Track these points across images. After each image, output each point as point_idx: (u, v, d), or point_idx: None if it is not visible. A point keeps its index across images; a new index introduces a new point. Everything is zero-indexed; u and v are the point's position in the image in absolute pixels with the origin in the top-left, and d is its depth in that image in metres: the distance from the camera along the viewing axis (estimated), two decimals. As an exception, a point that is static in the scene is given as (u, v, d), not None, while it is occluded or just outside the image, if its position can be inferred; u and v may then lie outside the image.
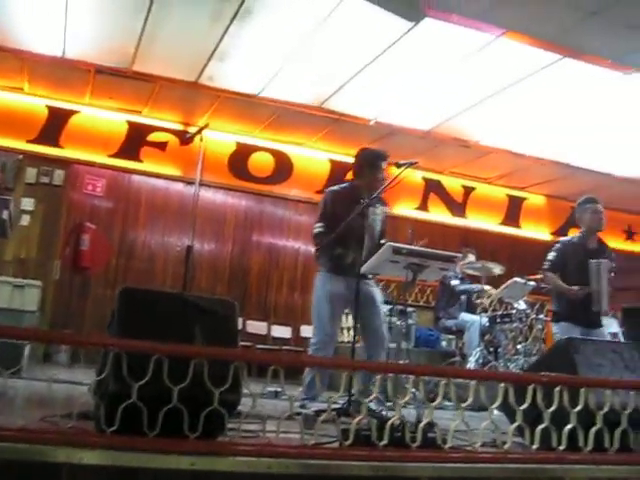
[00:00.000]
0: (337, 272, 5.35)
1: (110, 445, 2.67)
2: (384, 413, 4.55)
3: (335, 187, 5.56)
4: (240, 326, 10.74)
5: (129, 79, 9.31)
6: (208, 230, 11.23)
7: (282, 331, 11.30)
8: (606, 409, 3.43)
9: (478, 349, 8.19)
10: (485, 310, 9.28)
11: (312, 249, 11.03)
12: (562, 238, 6.76)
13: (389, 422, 3.05)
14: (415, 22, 7.06)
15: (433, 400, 3.25)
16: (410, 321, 9.76)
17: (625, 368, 4.02)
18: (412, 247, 4.93)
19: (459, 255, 4.93)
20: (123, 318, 3.01)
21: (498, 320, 8.72)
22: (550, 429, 3.30)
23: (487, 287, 8.85)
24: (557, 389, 3.35)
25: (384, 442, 3.00)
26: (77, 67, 9.09)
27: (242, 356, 2.88)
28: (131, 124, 10.71)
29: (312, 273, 11.11)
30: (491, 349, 8.57)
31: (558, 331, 6.35)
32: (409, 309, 9.96)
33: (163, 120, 10.62)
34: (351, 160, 5.68)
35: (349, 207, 5.20)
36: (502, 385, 3.27)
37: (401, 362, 5.13)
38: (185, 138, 6.37)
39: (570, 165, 11.25)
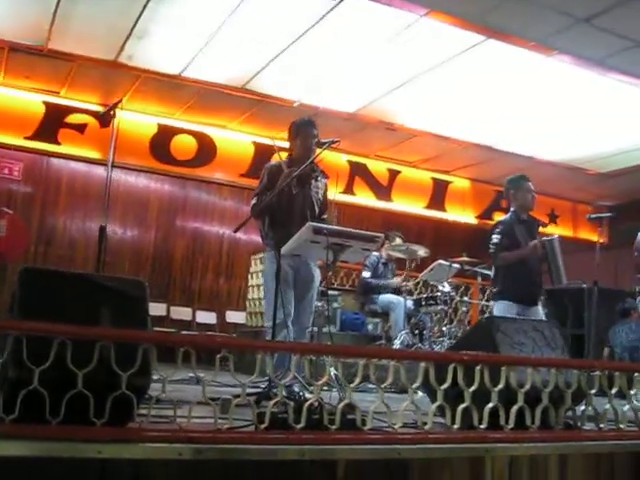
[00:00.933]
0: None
1: (8, 434, 2.50)
2: (307, 396, 4.45)
3: (272, 162, 5.51)
4: (164, 312, 10.77)
5: (45, 57, 9.03)
6: (131, 215, 11.07)
7: (207, 317, 11.22)
8: (527, 387, 3.39)
9: (403, 332, 8.19)
10: (411, 293, 9.30)
11: (238, 235, 11.07)
12: (499, 220, 6.75)
13: (306, 404, 2.94)
14: (337, 0, 6.97)
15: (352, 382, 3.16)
16: (335, 304, 9.75)
17: (547, 346, 4.00)
18: (333, 227, 4.86)
19: (381, 235, 4.86)
20: (23, 300, 2.83)
21: (423, 303, 8.74)
22: (471, 408, 3.25)
23: (397, 280, 8.86)
24: (478, 368, 3.30)
25: (301, 425, 2.89)
26: (-12, 45, 8.77)
27: (150, 338, 2.73)
28: (48, 105, 10.39)
29: (237, 258, 11.30)
30: (416, 331, 8.58)
31: (497, 310, 6.38)
32: (334, 292, 9.97)
33: (82, 101, 10.36)
34: (284, 144, 5.68)
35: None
36: (422, 365, 3.20)
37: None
38: (100, 115, 6.11)
39: (493, 148, 11.37)
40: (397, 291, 8.89)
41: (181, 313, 11.04)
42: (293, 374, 3.37)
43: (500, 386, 3.30)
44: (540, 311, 6.50)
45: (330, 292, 9.80)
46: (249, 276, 10.10)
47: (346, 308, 10.34)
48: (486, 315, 8.76)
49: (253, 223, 5.42)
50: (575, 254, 6.20)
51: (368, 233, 4.90)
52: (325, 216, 5.52)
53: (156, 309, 10.74)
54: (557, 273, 6.26)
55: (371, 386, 3.28)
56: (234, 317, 11.13)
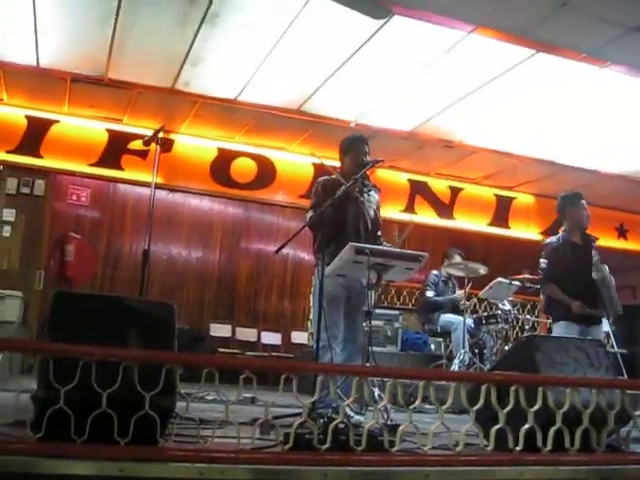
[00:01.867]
0: None
1: (34, 451, 2.57)
2: (356, 418, 4.43)
3: (324, 177, 5.54)
4: (229, 333, 10.88)
5: (106, 87, 9.25)
6: (195, 237, 11.23)
7: (272, 338, 11.24)
8: (566, 408, 3.31)
9: (463, 351, 8.11)
10: (474, 311, 9.21)
11: (301, 254, 11.13)
12: (548, 241, 6.62)
13: (332, 425, 2.94)
14: (384, 20, 6.98)
15: (410, 403, 3.13)
16: (396, 324, 9.71)
17: (590, 366, 3.92)
18: (375, 246, 4.87)
19: (424, 254, 4.82)
20: (53, 322, 2.92)
21: (484, 321, 8.64)
22: (506, 430, 3.18)
23: (459, 293, 8.78)
24: (512, 388, 3.24)
25: (326, 445, 2.89)
26: (52, 76, 9.03)
27: (174, 359, 2.78)
28: (111, 132, 10.66)
29: (302, 279, 11.33)
30: (476, 350, 8.48)
31: (557, 331, 6.29)
32: (395, 312, 9.94)
33: (143, 127, 10.50)
34: (336, 164, 5.69)
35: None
36: (453, 385, 3.17)
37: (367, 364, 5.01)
38: (144, 142, 6.24)
39: (556, 163, 11.16)
40: (456, 310, 8.82)
41: (246, 334, 11.11)
42: (334, 395, 3.35)
43: (536, 407, 3.23)
44: (602, 330, 6.38)
45: (391, 312, 9.99)
46: (310, 296, 10.15)
47: (408, 328, 10.29)
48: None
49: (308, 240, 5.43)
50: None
51: (411, 252, 4.90)
52: (380, 233, 5.53)
53: (221, 330, 10.91)
54: (612, 305, 6.16)
55: (428, 407, 3.25)
56: (299, 337, 11.16)
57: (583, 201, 6.41)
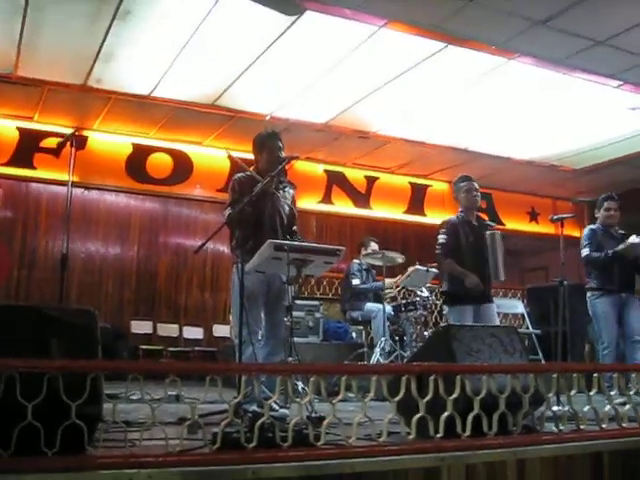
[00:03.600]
0: None
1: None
2: (284, 412, 4.48)
3: (240, 174, 5.51)
4: (151, 330, 10.79)
5: (15, 84, 9.06)
6: (113, 235, 11.10)
7: (194, 332, 11.19)
8: (483, 394, 3.42)
9: (383, 339, 8.21)
10: (394, 299, 9.34)
11: (220, 248, 11.11)
12: (447, 219, 6.70)
13: (258, 422, 2.98)
14: (296, 16, 7.02)
15: (334, 394, 3.19)
16: (317, 314, 9.81)
17: (504, 352, 4.04)
18: (293, 242, 4.92)
19: (342, 248, 4.89)
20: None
21: (403, 309, 8.76)
22: (427, 418, 3.28)
23: (388, 281, 8.89)
24: (431, 378, 3.33)
25: (254, 443, 2.93)
26: (-42, 74, 8.82)
27: (98, 367, 2.78)
28: (22, 130, 10.46)
29: (222, 272, 11.31)
30: (397, 338, 8.62)
31: (451, 315, 6.40)
32: (316, 302, 10.03)
33: (55, 125, 10.37)
34: (251, 157, 5.67)
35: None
36: (374, 378, 3.25)
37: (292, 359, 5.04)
38: (58, 145, 6.14)
39: (468, 150, 11.42)
40: (378, 298, 8.96)
41: (168, 330, 11.02)
42: (258, 394, 3.39)
43: (455, 395, 3.34)
44: (494, 308, 6.48)
45: (311, 302, 10.08)
46: (231, 289, 10.13)
47: (329, 317, 10.40)
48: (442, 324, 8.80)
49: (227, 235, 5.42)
50: (556, 252, 6.30)
51: (329, 247, 4.97)
52: (295, 227, 5.57)
53: (143, 327, 10.80)
54: (495, 269, 6.27)
55: (351, 395, 3.31)
56: (221, 331, 11.12)
57: (472, 183, 6.52)
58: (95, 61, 8.39)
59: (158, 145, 11.34)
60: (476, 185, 6.51)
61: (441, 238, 6.47)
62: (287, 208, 5.50)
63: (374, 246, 9.14)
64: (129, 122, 10.58)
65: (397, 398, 3.24)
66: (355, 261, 9.20)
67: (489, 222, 6.87)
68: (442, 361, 3.70)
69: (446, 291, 6.58)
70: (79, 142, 8.94)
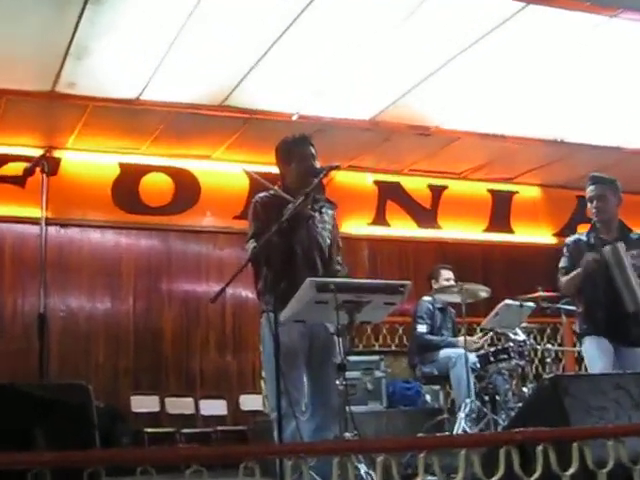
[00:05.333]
0: None
1: None
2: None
3: (262, 194, 5.54)
4: (158, 407, 10.83)
5: (-39, 98, 9.26)
6: (101, 284, 11.17)
7: (215, 407, 11.21)
8: (610, 466, 3.39)
9: (469, 400, 8.17)
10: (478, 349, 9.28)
11: (243, 293, 11.14)
12: (573, 237, 6.72)
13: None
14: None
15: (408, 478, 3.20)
16: (378, 373, 9.78)
17: (635, 407, 4.01)
18: (342, 280, 4.95)
19: (407, 283, 4.89)
20: None
21: (492, 358, 8.71)
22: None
23: (470, 339, 8.87)
24: (539, 448, 3.31)
25: None
26: None
27: (97, 459, 2.81)
28: (-26, 155, 10.67)
29: (247, 325, 11.34)
30: (486, 397, 8.57)
31: (588, 351, 6.41)
32: (374, 357, 10.02)
33: (18, 146, 10.52)
34: (275, 171, 5.69)
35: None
36: (462, 452, 3.23)
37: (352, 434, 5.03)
38: (24, 171, 6.23)
39: (565, 142, 11.36)
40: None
41: (180, 405, 11.04)
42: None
43: (572, 469, 3.31)
44: None
45: (369, 357, 10.07)
46: (262, 347, 10.13)
47: (394, 376, 10.36)
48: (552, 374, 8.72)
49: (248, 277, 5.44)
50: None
51: (389, 282, 4.98)
52: (340, 259, 5.60)
53: (146, 403, 10.83)
54: (629, 293, 6.14)
55: (433, 478, 3.30)
56: (251, 403, 11.14)
57: (592, 187, 6.48)
58: (65, 59, 8.48)
59: (153, 163, 11.50)
60: (598, 191, 6.46)
61: (561, 262, 6.51)
62: (327, 235, 5.51)
63: (447, 277, 9.14)
64: (113, 136, 10.74)
65: (496, 478, 3.23)
66: (425, 299, 9.19)
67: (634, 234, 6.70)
68: (552, 424, 3.68)
69: (580, 328, 6.59)
70: (51, 166, 8.90)
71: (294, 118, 10.01)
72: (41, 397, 3.06)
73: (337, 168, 5.30)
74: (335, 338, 5.16)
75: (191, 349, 11.45)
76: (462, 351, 8.37)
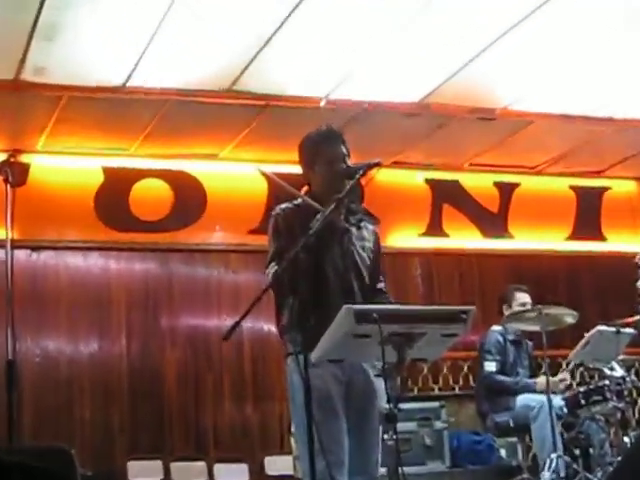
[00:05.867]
0: None
1: None
2: None
3: (283, 205, 5.54)
4: (161, 474, 10.84)
5: None
6: (85, 320, 11.15)
7: (233, 472, 11.19)
8: None
9: (555, 455, 8.15)
10: (567, 388, 9.27)
11: (264, 326, 11.14)
12: None
13: None
14: None
15: None
16: (439, 424, 9.79)
17: None
18: (388, 307, 4.95)
19: (470, 309, 4.87)
20: None
21: (582, 401, 8.70)
22: None
23: (554, 380, 8.85)
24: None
25: None
26: None
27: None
28: None
29: (271, 367, 11.33)
30: (577, 451, 8.55)
31: None
32: (434, 404, 10.03)
33: (-24, 151, 10.65)
34: (298, 172, 5.69)
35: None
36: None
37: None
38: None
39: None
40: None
41: (189, 472, 11.02)
42: None
43: None
44: None
45: (426, 404, 10.06)
46: (290, 395, 10.08)
47: (459, 427, 10.35)
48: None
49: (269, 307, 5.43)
50: None
51: (448, 308, 4.99)
52: (382, 285, 5.63)
53: (146, 470, 10.80)
54: None
55: None
56: (277, 466, 11.10)
57: None
58: (31, 39, 8.51)
59: (146, 167, 11.54)
60: None
61: None
62: (368, 254, 5.54)
63: (523, 300, 9.12)
64: (95, 134, 10.81)
65: None
66: (494, 329, 9.21)
67: None
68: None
69: None
70: (17, 174, 9.07)
71: (322, 104, 10.05)
72: (11, 464, 3.10)
73: (378, 166, 5.30)
74: (380, 381, 5.18)
75: (201, 400, 11.45)
76: (544, 397, 8.34)
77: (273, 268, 5.15)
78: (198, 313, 11.69)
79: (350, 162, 5.43)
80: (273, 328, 10.59)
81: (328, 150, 5.47)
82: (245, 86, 9.81)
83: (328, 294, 5.23)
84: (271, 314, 5.59)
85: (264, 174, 10.26)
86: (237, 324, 4.76)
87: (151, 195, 11.57)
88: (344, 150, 5.47)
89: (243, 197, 11.68)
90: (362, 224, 5.58)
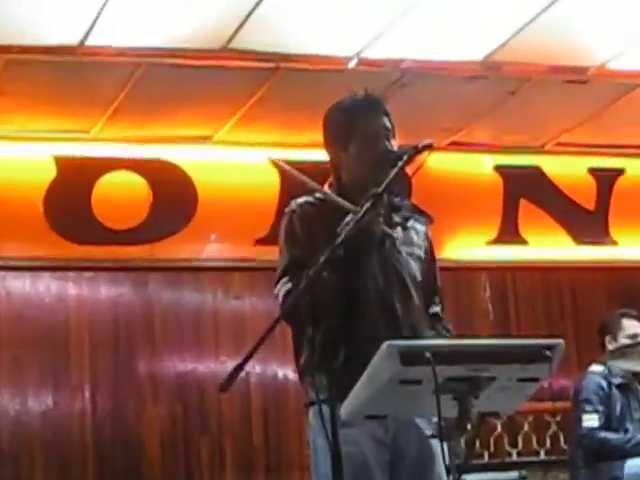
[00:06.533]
0: None
1: None
2: None
3: (302, 199, 5.47)
4: None
5: None
6: (33, 366, 11.18)
7: None
8: None
9: None
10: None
11: (278, 370, 11.17)
12: None
13: None
14: None
15: None
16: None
17: None
18: (447, 342, 4.91)
19: (557, 342, 4.86)
20: None
21: None
22: None
23: None
24: None
25: None
26: None
27: None
28: None
29: (286, 424, 11.37)
30: None
31: None
32: (513, 475, 10.03)
33: None
34: (322, 158, 5.64)
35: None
36: None
37: None
38: None
39: None
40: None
41: None
42: None
43: None
44: None
45: (502, 475, 10.04)
46: (313, 463, 10.05)
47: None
48: None
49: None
50: None
51: (527, 342, 4.92)
52: (437, 309, 5.55)
53: None
54: None
55: None
56: None
57: None
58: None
59: (113, 155, 11.57)
60: None
61: None
62: (418, 266, 5.46)
63: (633, 329, 9.11)
64: (44, 111, 10.82)
65: None
66: (594, 370, 9.21)
67: None
68: None
69: None
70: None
71: (351, 65, 10.02)
72: None
73: (429, 149, 5.20)
74: (437, 444, 5.18)
75: (194, 474, 11.49)
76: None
77: (285, 286, 5.09)
78: (188, 354, 11.67)
79: (394, 143, 5.37)
80: (291, 373, 10.84)
81: (366, 124, 5.38)
82: (246, 43, 9.79)
83: (364, 323, 5.17)
84: (288, 353, 5.55)
85: (276, 164, 10.22)
86: (240, 368, 4.65)
87: (121, 194, 11.56)
88: (387, 123, 5.39)
89: (247, 195, 11.69)
90: (409, 224, 5.48)
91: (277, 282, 5.18)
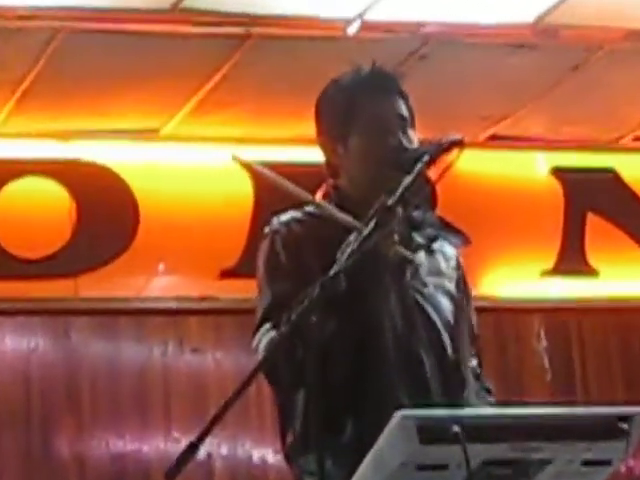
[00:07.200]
0: None
1: None
2: None
3: (287, 215, 5.42)
4: None
5: None
6: None
7: None
8: None
9: None
10: None
11: (257, 451, 11.19)
12: None
13: None
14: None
15: None
16: None
17: None
18: (482, 412, 4.90)
19: (637, 412, 4.86)
20: None
21: None
22: None
23: None
24: None
25: None
26: None
27: None
28: None
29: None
30: None
31: None
32: None
33: None
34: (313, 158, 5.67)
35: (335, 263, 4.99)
36: None
37: None
38: None
39: None
40: None
41: None
42: None
43: None
44: None
45: None
46: None
47: None
48: None
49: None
50: None
51: (595, 412, 4.91)
52: (474, 364, 5.48)
53: None
54: None
55: None
56: None
57: None
58: None
59: (21, 155, 11.64)
60: None
61: None
62: (449, 304, 5.46)
63: None
64: None
65: None
66: None
67: None
68: None
69: None
70: None
71: (351, 31, 10.02)
72: None
73: (460, 145, 5.19)
74: None
75: None
76: None
77: (266, 335, 5.00)
78: (128, 429, 11.69)
79: (412, 136, 5.36)
80: (271, 455, 10.92)
81: (373, 109, 5.37)
82: (205, 2, 9.83)
83: (379, 384, 5.10)
84: (266, 427, 5.57)
85: (247, 166, 10.09)
86: (194, 448, 4.60)
87: (33, 209, 11.60)
88: (403, 109, 5.40)
89: (207, 210, 11.68)
90: (435, 246, 5.42)
91: (256, 330, 5.08)
